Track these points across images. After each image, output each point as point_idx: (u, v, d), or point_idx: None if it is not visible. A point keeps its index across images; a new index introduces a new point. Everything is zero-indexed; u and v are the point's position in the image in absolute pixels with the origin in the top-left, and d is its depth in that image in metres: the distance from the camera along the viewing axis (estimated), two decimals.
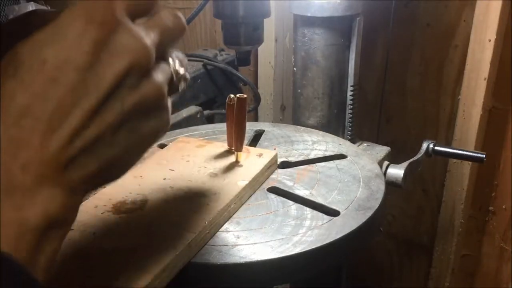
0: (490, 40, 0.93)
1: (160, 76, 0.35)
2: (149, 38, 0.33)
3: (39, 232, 0.30)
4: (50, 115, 0.30)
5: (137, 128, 0.34)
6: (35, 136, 0.30)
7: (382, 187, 0.67)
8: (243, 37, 0.61)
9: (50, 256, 0.32)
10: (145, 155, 0.70)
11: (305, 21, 0.84)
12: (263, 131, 0.85)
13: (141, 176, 0.65)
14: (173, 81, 0.37)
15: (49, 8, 0.95)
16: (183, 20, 0.38)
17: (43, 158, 0.30)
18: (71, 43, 0.30)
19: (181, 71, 0.36)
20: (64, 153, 0.31)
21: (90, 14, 0.31)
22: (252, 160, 0.69)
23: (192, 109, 0.99)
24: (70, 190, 0.32)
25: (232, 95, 0.68)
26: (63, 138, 0.30)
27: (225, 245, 0.55)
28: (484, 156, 0.84)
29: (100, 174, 0.33)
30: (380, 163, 0.81)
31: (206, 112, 1.02)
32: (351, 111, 0.89)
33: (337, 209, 0.62)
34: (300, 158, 0.76)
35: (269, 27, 1.09)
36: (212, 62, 1.08)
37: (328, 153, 0.77)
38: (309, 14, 0.82)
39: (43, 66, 0.30)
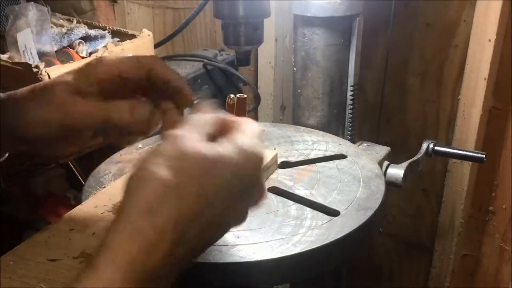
0: (490, 40, 0.93)
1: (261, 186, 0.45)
2: None
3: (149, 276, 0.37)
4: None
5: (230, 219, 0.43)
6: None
7: (382, 187, 0.67)
8: (243, 37, 0.61)
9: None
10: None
11: (305, 21, 0.84)
12: (263, 131, 0.85)
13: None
14: None
15: (49, 8, 0.94)
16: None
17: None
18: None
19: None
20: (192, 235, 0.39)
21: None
22: None
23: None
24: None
25: (232, 95, 0.68)
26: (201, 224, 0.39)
27: (225, 245, 0.55)
28: (484, 156, 0.84)
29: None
30: (380, 163, 0.81)
31: None
32: (351, 111, 0.89)
33: (337, 209, 0.62)
34: (300, 158, 0.76)
35: (269, 27, 1.09)
36: (212, 62, 1.08)
37: (328, 153, 0.77)
38: (309, 14, 0.82)
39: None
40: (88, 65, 0.52)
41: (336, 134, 0.87)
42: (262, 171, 0.44)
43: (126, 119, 0.50)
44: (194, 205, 0.38)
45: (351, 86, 0.88)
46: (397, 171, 0.80)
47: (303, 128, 0.88)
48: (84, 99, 0.50)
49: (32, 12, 0.90)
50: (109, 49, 0.90)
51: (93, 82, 0.51)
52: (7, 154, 0.58)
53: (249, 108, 1.06)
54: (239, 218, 0.43)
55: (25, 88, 0.53)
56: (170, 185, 0.38)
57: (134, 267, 0.36)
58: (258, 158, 0.43)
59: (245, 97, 0.67)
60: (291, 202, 0.64)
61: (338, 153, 0.77)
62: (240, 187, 0.41)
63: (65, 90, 0.50)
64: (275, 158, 0.72)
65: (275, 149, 0.77)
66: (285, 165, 0.74)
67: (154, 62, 0.50)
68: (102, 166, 0.74)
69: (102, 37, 0.98)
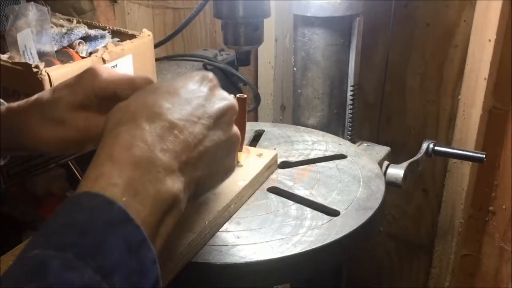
0: (490, 40, 0.93)
1: (236, 129, 0.48)
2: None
3: (166, 208, 0.40)
4: (183, 123, 0.42)
5: (219, 160, 0.46)
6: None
7: (382, 187, 0.67)
8: (243, 37, 0.61)
9: (165, 238, 0.41)
10: None
11: (305, 21, 0.84)
12: (263, 131, 0.85)
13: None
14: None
15: (49, 8, 0.94)
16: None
17: (174, 155, 0.41)
18: (194, 84, 0.46)
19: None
20: (180, 157, 0.42)
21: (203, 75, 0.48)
22: (252, 160, 0.69)
23: None
24: (184, 185, 0.42)
25: (232, 95, 0.68)
26: (184, 145, 0.42)
27: (225, 245, 0.55)
28: (484, 156, 0.84)
29: (196, 183, 0.44)
30: (380, 163, 0.81)
31: None
32: (351, 111, 0.89)
33: (337, 209, 0.62)
34: (300, 158, 0.76)
35: (269, 27, 1.09)
36: (212, 62, 1.08)
37: (328, 153, 0.77)
38: (309, 14, 0.82)
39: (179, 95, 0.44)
40: (82, 79, 0.53)
41: (336, 134, 0.87)
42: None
43: None
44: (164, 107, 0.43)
45: (351, 86, 0.88)
46: (397, 171, 0.80)
47: (303, 128, 0.88)
48: (87, 113, 0.52)
49: (32, 12, 0.90)
50: (109, 49, 0.90)
51: (91, 96, 0.52)
52: (8, 157, 0.60)
53: (249, 108, 1.07)
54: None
55: (24, 103, 0.54)
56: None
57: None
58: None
59: (245, 97, 0.67)
60: (291, 202, 0.64)
61: (338, 153, 0.77)
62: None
63: (70, 107, 0.52)
64: (275, 158, 0.72)
65: (275, 149, 0.77)
66: (285, 165, 0.74)
67: (147, 84, 0.51)
68: None
69: (102, 37, 0.97)
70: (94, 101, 0.52)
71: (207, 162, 0.44)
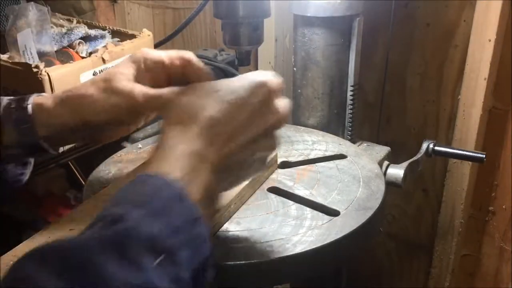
0: (490, 40, 0.93)
1: (275, 141, 0.52)
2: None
3: (211, 197, 0.47)
4: (231, 134, 0.48)
5: (262, 143, 0.50)
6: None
7: (382, 187, 0.67)
8: (243, 37, 0.61)
9: (201, 186, 0.46)
10: (146, 154, 0.70)
11: (305, 21, 0.84)
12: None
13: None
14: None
15: (49, 8, 0.94)
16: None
17: (221, 155, 0.48)
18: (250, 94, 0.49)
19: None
20: (224, 161, 0.48)
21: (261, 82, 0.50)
22: None
23: None
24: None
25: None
26: (229, 150, 0.48)
27: (225, 245, 0.55)
28: (484, 156, 0.84)
29: (222, 186, 0.50)
30: (380, 163, 0.81)
31: None
32: (351, 111, 0.89)
33: (337, 209, 0.62)
34: (300, 158, 0.76)
35: (269, 27, 1.09)
36: (212, 62, 1.08)
37: (328, 153, 0.77)
38: (309, 14, 0.82)
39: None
40: (135, 57, 0.59)
41: (336, 134, 0.87)
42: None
43: None
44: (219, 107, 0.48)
45: (351, 86, 0.88)
46: (397, 171, 0.80)
47: (303, 128, 0.88)
48: (138, 85, 0.57)
49: (32, 12, 0.90)
50: (109, 49, 0.90)
51: (143, 70, 0.58)
52: (57, 150, 0.64)
53: None
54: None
55: (83, 83, 0.60)
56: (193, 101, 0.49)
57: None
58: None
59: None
60: (291, 202, 0.64)
61: (338, 153, 0.77)
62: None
63: (125, 79, 0.57)
64: (275, 158, 0.72)
65: None
66: (285, 165, 0.74)
67: (191, 58, 0.58)
68: (102, 166, 0.74)
69: (102, 37, 0.98)
70: (146, 76, 0.58)
71: (242, 167, 0.50)
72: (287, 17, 1.07)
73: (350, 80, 0.87)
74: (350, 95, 0.88)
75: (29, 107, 0.59)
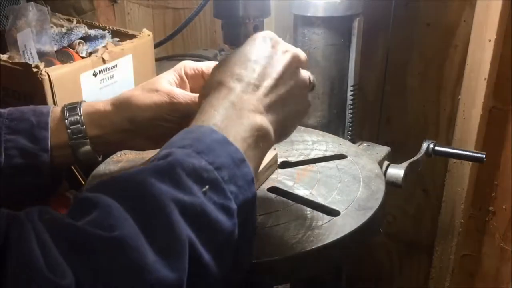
0: (490, 40, 0.92)
1: (304, 74, 0.57)
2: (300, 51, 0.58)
3: (257, 138, 0.50)
4: (258, 79, 0.53)
5: (294, 103, 0.55)
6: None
7: (382, 187, 0.67)
8: (243, 37, 0.61)
9: (257, 165, 0.52)
10: (145, 154, 0.70)
11: (305, 21, 0.84)
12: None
13: None
14: (310, 82, 0.58)
15: (48, 8, 0.94)
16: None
17: (259, 100, 0.52)
18: (258, 46, 0.56)
19: (311, 78, 0.59)
20: (264, 101, 0.52)
21: (264, 36, 0.58)
22: None
23: None
24: (269, 122, 0.52)
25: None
26: (263, 92, 0.53)
27: None
28: (484, 156, 0.84)
29: (279, 123, 0.53)
30: (380, 163, 0.81)
31: None
32: (351, 111, 0.89)
33: (337, 209, 0.62)
34: (300, 158, 0.76)
35: (269, 27, 1.09)
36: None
37: (328, 153, 0.77)
38: (309, 14, 0.82)
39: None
40: (176, 66, 0.68)
41: (336, 134, 0.87)
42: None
43: None
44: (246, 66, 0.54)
45: (351, 86, 0.88)
46: (397, 171, 0.80)
47: (303, 128, 0.87)
48: (177, 87, 0.66)
49: (32, 12, 0.90)
50: (109, 49, 0.90)
51: (184, 78, 0.67)
52: (101, 157, 0.70)
53: None
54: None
55: (130, 89, 0.68)
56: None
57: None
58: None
59: None
60: (291, 202, 0.64)
61: (338, 153, 0.77)
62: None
63: (168, 82, 0.66)
64: (275, 158, 0.72)
65: (275, 149, 0.77)
66: (285, 165, 0.74)
67: (204, 70, 0.68)
68: (102, 166, 0.74)
69: (102, 37, 0.97)
70: (187, 84, 0.68)
71: (285, 104, 0.54)
72: (287, 17, 1.07)
73: (350, 80, 0.87)
74: (350, 95, 0.88)
75: (81, 109, 0.65)
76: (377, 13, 1.03)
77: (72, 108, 0.66)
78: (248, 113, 0.50)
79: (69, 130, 0.64)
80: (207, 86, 0.55)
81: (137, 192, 0.41)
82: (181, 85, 0.67)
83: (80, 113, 0.65)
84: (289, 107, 0.55)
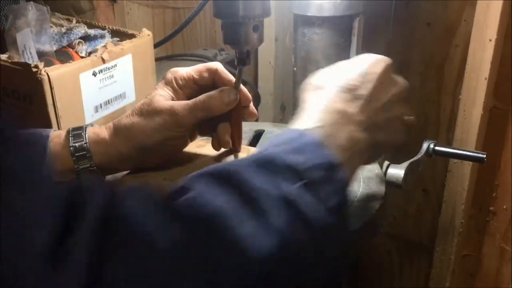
0: (490, 40, 0.92)
1: (405, 108, 0.59)
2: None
3: (354, 149, 0.51)
4: (367, 99, 0.54)
5: (390, 132, 0.56)
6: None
7: (383, 187, 0.67)
8: (243, 36, 0.61)
9: (352, 174, 0.52)
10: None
11: (305, 21, 0.84)
12: (263, 131, 0.85)
13: (141, 176, 0.65)
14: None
15: (48, 8, 0.94)
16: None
17: (364, 117, 0.53)
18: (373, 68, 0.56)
19: (411, 116, 0.61)
20: (367, 120, 0.53)
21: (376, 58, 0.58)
22: None
23: None
24: (367, 139, 0.53)
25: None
26: (368, 112, 0.54)
27: None
28: (484, 156, 0.83)
29: (374, 144, 0.54)
30: (380, 163, 0.81)
31: None
32: None
33: None
34: None
35: (269, 27, 1.08)
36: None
37: None
38: (309, 14, 0.82)
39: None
40: (167, 78, 0.66)
41: None
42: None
43: (223, 104, 0.64)
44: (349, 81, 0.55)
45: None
46: (397, 171, 0.80)
47: None
48: (175, 100, 0.64)
49: (32, 12, 0.89)
50: (109, 48, 0.90)
51: (177, 89, 0.65)
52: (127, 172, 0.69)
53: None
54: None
55: (124, 115, 0.66)
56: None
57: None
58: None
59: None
60: None
61: None
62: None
63: (163, 99, 0.63)
64: None
65: None
66: None
67: (218, 67, 0.67)
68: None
69: (102, 36, 0.97)
70: (181, 93, 0.65)
71: (382, 130, 0.55)
72: (287, 17, 1.07)
73: None
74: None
75: (86, 136, 0.64)
76: (377, 13, 1.03)
77: (77, 134, 0.64)
78: (351, 125, 0.51)
79: (74, 158, 0.63)
80: (310, 82, 0.57)
81: (233, 180, 0.43)
82: (176, 96, 0.65)
83: (86, 140, 0.64)
84: (385, 135, 0.56)
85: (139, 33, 0.98)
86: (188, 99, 0.64)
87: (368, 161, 0.56)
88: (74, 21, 1.03)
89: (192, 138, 0.70)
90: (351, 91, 0.53)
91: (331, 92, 0.53)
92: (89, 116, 0.86)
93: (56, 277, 0.33)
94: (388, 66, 0.57)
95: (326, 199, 0.45)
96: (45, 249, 0.33)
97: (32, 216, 0.35)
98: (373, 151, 0.55)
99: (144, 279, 0.35)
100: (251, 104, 0.70)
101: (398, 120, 0.57)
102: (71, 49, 0.94)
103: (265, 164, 0.44)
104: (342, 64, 0.58)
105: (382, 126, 0.55)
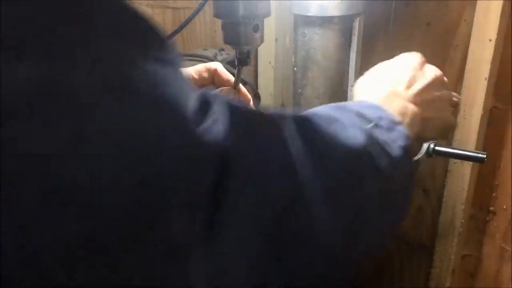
0: (490, 40, 0.92)
1: (448, 92, 0.65)
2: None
3: (405, 117, 0.55)
4: (409, 81, 0.61)
5: (439, 110, 0.62)
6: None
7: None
8: (243, 36, 0.61)
9: (396, 109, 0.56)
10: None
11: (305, 21, 0.84)
12: None
13: None
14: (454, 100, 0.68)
15: None
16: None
17: (412, 94, 0.59)
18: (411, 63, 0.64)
19: (456, 97, 0.70)
20: (415, 96, 0.59)
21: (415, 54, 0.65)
22: None
23: None
24: (418, 112, 0.58)
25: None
26: (413, 90, 0.59)
27: None
28: (484, 156, 0.83)
29: (424, 120, 0.58)
30: None
31: None
32: None
33: None
34: None
35: (269, 27, 1.08)
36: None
37: None
38: (309, 14, 0.82)
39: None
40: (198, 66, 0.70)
41: None
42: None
43: None
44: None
45: (351, 86, 0.87)
46: None
47: None
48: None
49: None
50: None
51: (204, 73, 0.69)
52: None
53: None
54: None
55: None
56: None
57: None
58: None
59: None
60: None
61: None
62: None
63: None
64: None
65: None
66: None
67: (217, 67, 0.70)
68: None
69: None
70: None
71: (431, 107, 0.60)
72: (287, 17, 1.07)
73: (350, 80, 0.87)
74: (350, 95, 0.88)
75: None
76: (377, 13, 1.03)
77: None
78: (401, 100, 0.57)
79: None
80: (362, 78, 0.64)
81: (319, 133, 0.45)
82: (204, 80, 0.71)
83: None
84: (435, 112, 0.61)
85: None
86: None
87: (422, 134, 0.60)
88: None
89: None
90: (398, 80, 0.60)
91: (382, 81, 0.61)
92: None
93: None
94: (422, 57, 0.64)
95: (393, 142, 0.49)
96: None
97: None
98: (425, 126, 0.59)
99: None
100: (251, 104, 0.70)
101: (444, 98, 0.63)
102: None
103: (339, 107, 0.50)
104: (383, 64, 0.65)
105: (430, 103, 0.60)
